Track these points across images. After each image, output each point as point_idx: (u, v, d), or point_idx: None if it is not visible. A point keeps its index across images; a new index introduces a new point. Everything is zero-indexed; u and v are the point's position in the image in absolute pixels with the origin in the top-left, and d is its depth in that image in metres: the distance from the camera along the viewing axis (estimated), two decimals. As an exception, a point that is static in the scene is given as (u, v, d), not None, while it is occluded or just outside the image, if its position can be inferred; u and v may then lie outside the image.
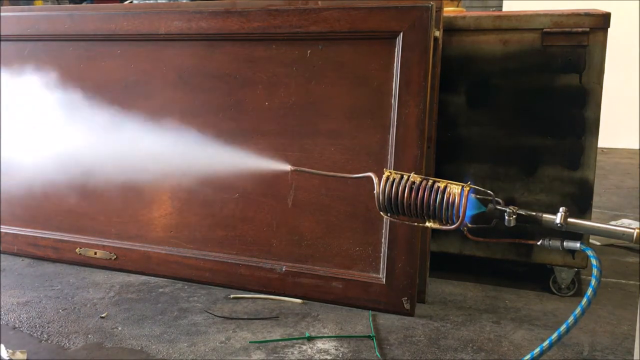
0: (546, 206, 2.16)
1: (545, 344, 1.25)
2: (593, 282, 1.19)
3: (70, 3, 5.63)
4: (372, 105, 2.03)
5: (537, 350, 1.26)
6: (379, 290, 2.01)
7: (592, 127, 2.11)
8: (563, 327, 1.23)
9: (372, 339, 1.85)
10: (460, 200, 1.22)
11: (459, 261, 2.35)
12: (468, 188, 1.23)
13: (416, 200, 1.26)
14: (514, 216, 1.23)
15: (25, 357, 1.73)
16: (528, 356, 1.27)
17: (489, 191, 1.26)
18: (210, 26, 2.20)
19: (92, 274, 2.35)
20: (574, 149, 2.13)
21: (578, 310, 1.21)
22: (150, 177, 2.31)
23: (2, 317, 1.99)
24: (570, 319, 1.22)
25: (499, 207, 1.25)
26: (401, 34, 1.96)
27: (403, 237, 1.97)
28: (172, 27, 2.24)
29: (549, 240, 1.27)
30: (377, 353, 1.77)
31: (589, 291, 1.19)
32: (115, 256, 2.34)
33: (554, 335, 1.24)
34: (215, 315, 2.01)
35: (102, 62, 2.38)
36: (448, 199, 1.24)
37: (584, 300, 1.20)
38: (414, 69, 1.95)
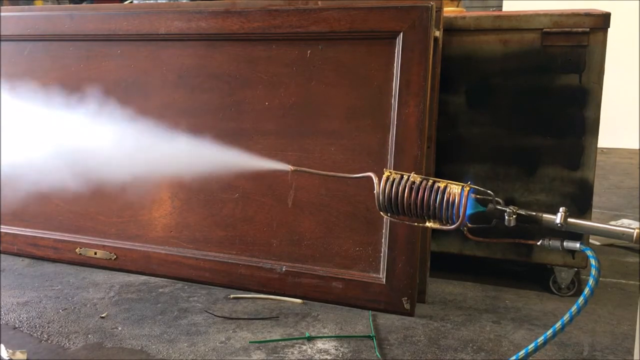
0: (546, 206, 2.16)
1: (540, 339, 1.25)
2: (591, 281, 1.19)
3: (70, 3, 5.63)
4: (372, 105, 2.03)
5: (531, 346, 1.26)
6: (379, 290, 2.01)
7: (592, 127, 2.11)
8: (558, 324, 1.23)
9: (372, 339, 1.85)
10: (460, 200, 1.22)
11: (459, 261, 2.35)
12: (468, 188, 1.23)
13: (416, 200, 1.26)
14: (514, 216, 1.23)
15: (25, 357, 1.73)
16: (522, 352, 1.27)
17: (489, 191, 1.26)
18: (210, 26, 2.20)
19: (92, 274, 2.35)
20: (574, 149, 2.13)
21: (574, 308, 1.21)
22: (150, 177, 2.31)
23: (2, 317, 1.99)
24: (566, 317, 1.22)
25: (499, 207, 1.25)
26: (401, 34, 1.96)
27: (403, 237, 1.97)
28: (172, 27, 2.24)
29: (549, 240, 1.27)
30: (377, 353, 1.77)
31: (587, 290, 1.20)
32: (115, 256, 2.34)
33: (549, 332, 1.24)
34: (215, 315, 2.01)
35: (102, 62, 2.38)
36: (448, 199, 1.24)
37: (581, 299, 1.20)
38: (414, 69, 1.95)
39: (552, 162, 2.15)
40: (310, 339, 1.85)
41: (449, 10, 2.44)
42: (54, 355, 1.76)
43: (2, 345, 1.76)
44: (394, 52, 1.98)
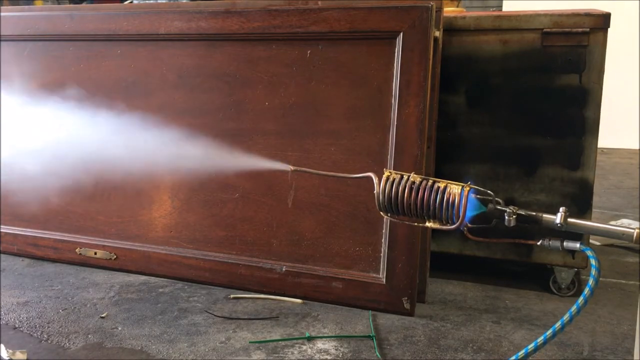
0: (546, 206, 2.16)
1: (540, 339, 1.25)
2: (591, 281, 1.20)
3: (70, 3, 5.62)
4: (372, 105, 2.03)
5: (531, 346, 1.26)
6: (379, 290, 2.01)
7: (592, 127, 2.11)
8: (558, 324, 1.23)
9: (372, 339, 1.85)
10: (460, 200, 1.22)
11: (459, 261, 2.35)
12: (468, 188, 1.23)
13: (416, 200, 1.26)
14: (514, 216, 1.23)
15: (25, 357, 1.73)
16: (522, 352, 1.27)
17: (489, 191, 1.26)
18: (210, 26, 2.20)
19: (92, 274, 2.35)
20: (574, 149, 2.13)
21: (574, 308, 1.21)
22: (150, 177, 2.31)
23: (2, 317, 1.99)
24: (566, 317, 1.22)
25: (499, 207, 1.25)
26: (401, 34, 1.96)
27: (403, 237, 1.97)
28: (172, 27, 2.24)
29: (549, 240, 1.27)
30: (377, 353, 1.77)
31: (586, 290, 1.20)
32: (115, 256, 2.34)
33: (549, 332, 1.24)
34: (215, 315, 2.01)
35: (102, 62, 2.38)
36: (448, 199, 1.24)
37: (581, 299, 1.20)
38: (414, 69, 1.95)
39: (552, 162, 2.15)
40: (310, 339, 1.85)
41: (449, 10, 2.44)
42: (54, 355, 1.76)
43: (2, 345, 1.76)
44: (394, 52, 1.98)
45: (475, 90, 2.21)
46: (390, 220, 1.94)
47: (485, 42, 2.17)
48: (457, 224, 1.23)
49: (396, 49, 1.97)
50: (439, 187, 1.25)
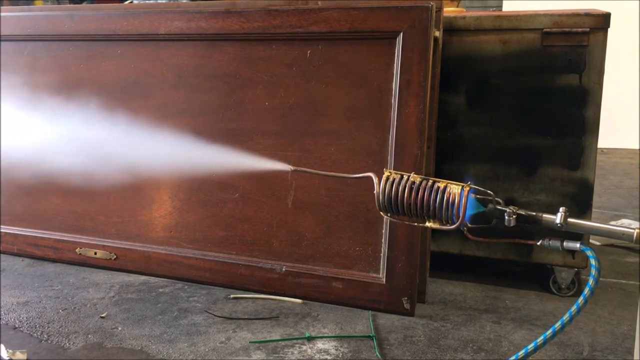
0: (546, 206, 2.16)
1: (540, 339, 1.25)
2: (591, 281, 1.20)
3: (70, 3, 5.62)
4: (372, 105, 2.03)
5: (531, 346, 1.26)
6: (379, 290, 2.01)
7: (592, 127, 2.11)
8: (558, 324, 1.23)
9: (372, 339, 1.85)
10: (460, 200, 1.22)
11: (459, 261, 2.35)
12: (468, 188, 1.23)
13: (416, 200, 1.26)
14: (514, 216, 1.23)
15: (25, 357, 1.73)
16: (522, 352, 1.28)
17: (489, 191, 1.26)
18: (210, 26, 2.20)
19: (92, 274, 2.35)
20: (574, 149, 2.13)
21: (574, 308, 1.21)
22: (150, 177, 2.31)
23: (2, 317, 1.99)
24: (566, 317, 1.22)
25: (499, 207, 1.25)
26: (401, 34, 1.96)
27: (403, 237, 1.97)
28: (172, 27, 2.24)
29: (549, 240, 1.27)
30: (377, 353, 1.77)
31: (586, 290, 1.20)
32: (115, 256, 2.34)
33: (549, 332, 1.24)
34: (215, 315, 2.01)
35: (102, 62, 2.38)
36: (448, 199, 1.24)
37: (581, 299, 1.20)
38: (414, 69, 1.95)
39: (552, 162, 2.15)
40: (310, 339, 1.86)
41: (449, 10, 2.44)
42: (54, 355, 1.76)
43: (2, 345, 1.76)
44: (394, 52, 1.98)
45: (475, 90, 2.21)
46: (390, 220, 1.94)
47: (485, 42, 2.17)
48: (457, 223, 1.23)
49: (396, 49, 1.97)
50: (439, 187, 1.25)
